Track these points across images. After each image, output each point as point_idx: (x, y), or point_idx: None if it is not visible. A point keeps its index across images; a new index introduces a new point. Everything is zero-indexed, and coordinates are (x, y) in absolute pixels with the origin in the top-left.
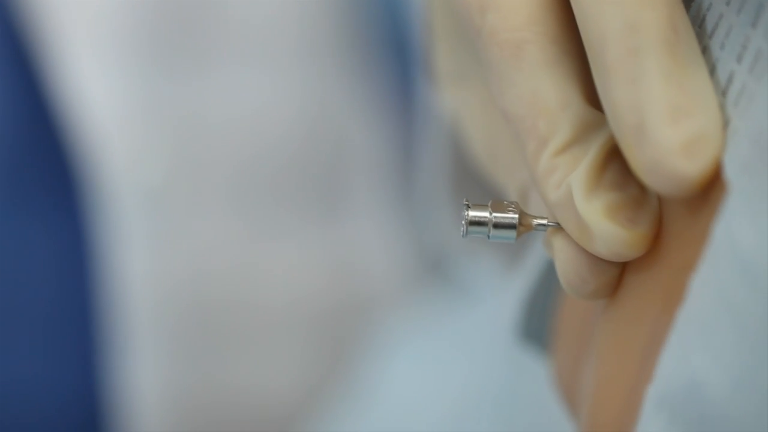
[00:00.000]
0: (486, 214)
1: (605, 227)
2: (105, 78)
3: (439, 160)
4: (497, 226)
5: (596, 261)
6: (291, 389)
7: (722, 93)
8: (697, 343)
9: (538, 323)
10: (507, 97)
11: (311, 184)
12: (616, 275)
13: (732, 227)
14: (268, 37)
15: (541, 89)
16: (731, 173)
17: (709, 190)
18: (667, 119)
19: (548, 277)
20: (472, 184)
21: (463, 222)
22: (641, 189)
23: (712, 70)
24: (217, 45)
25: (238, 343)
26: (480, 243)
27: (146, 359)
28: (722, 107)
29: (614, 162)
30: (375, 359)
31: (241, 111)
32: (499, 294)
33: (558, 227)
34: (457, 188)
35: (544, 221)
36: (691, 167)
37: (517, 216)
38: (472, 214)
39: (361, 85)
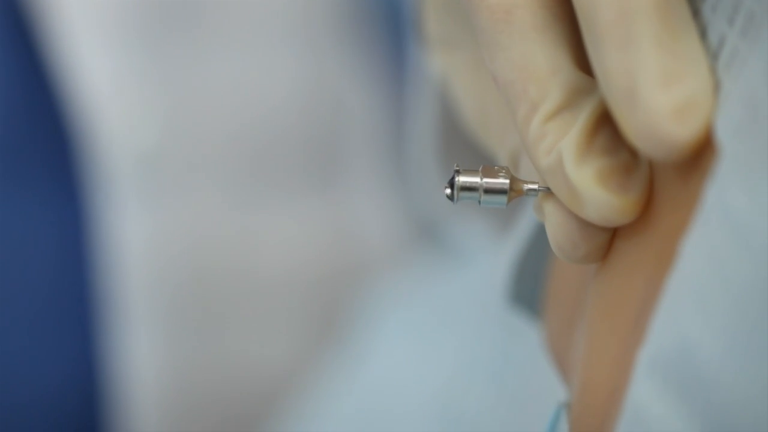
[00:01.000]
0: (477, 179)
1: (596, 194)
2: (100, 44)
3: (429, 124)
4: (488, 191)
5: (587, 225)
6: (287, 355)
7: (714, 56)
8: (689, 307)
9: (529, 287)
10: (497, 61)
11: (307, 150)
12: (607, 240)
13: (724, 191)
14: (264, 4)
15: (531, 54)
16: (723, 137)
17: (701, 154)
18: (659, 84)
19: (538, 240)
20: (463, 148)
21: (451, 187)
22: (632, 154)
23: (703, 33)
24: (213, 12)
25: (233, 309)
26: (471, 207)
27: (142, 328)
28: (714, 71)
29: (605, 127)
30: (366, 324)
31: (237, 77)
32: (491, 258)
33: (549, 192)
34: (447, 153)
35: (535, 186)
36: (683, 132)
37: (508, 181)
38: (463, 179)
39: (355, 51)
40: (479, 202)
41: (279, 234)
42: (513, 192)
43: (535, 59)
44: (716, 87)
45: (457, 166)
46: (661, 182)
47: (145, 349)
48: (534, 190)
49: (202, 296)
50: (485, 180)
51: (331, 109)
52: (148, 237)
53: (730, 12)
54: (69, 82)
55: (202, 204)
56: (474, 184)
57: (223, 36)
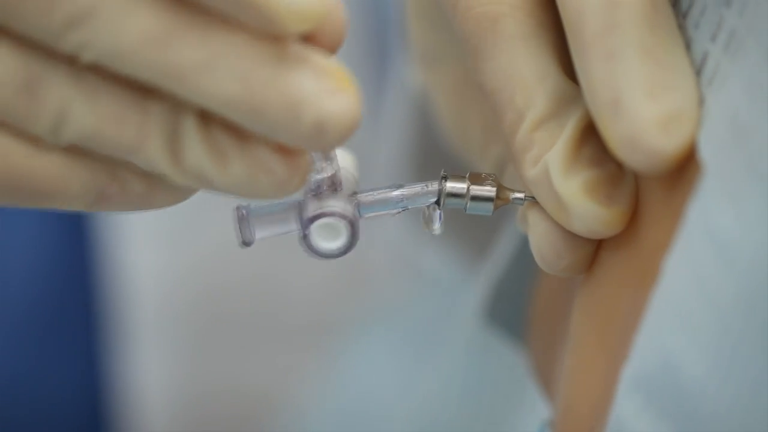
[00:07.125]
0: (464, 186)
1: (583, 205)
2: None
3: (408, 141)
4: (475, 198)
5: (572, 236)
6: (281, 375)
7: (696, 72)
8: (672, 325)
9: (507, 308)
10: (484, 70)
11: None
12: (591, 251)
13: (707, 208)
14: None
15: (518, 62)
16: (706, 154)
17: (685, 169)
18: (645, 95)
19: (517, 263)
20: (443, 164)
21: (438, 194)
22: (618, 166)
23: (686, 50)
24: None
25: (234, 330)
26: (446, 235)
27: (148, 346)
28: (697, 86)
29: (591, 138)
30: (350, 346)
31: None
32: (467, 282)
33: (534, 201)
34: (426, 169)
35: (521, 195)
36: (668, 143)
37: (495, 189)
38: (450, 185)
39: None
40: (465, 209)
41: (283, 271)
42: (499, 200)
43: (521, 67)
44: (700, 102)
45: (444, 172)
46: (645, 195)
47: (151, 372)
48: (520, 198)
49: (205, 317)
50: (472, 187)
51: None
52: (156, 259)
53: (712, 29)
54: None
55: (210, 235)
56: (461, 191)
57: None
